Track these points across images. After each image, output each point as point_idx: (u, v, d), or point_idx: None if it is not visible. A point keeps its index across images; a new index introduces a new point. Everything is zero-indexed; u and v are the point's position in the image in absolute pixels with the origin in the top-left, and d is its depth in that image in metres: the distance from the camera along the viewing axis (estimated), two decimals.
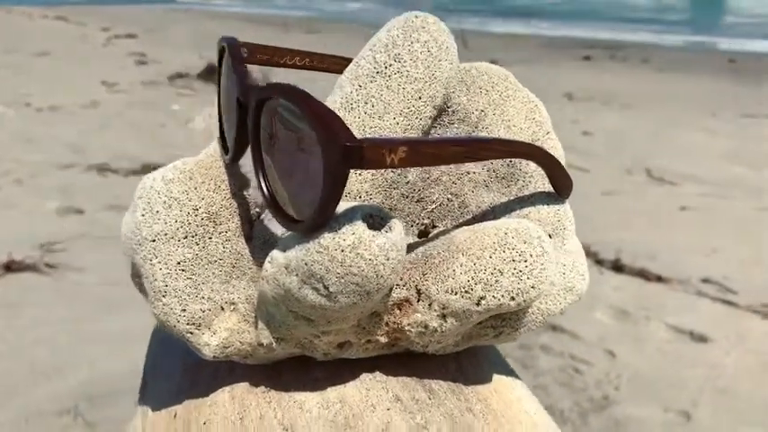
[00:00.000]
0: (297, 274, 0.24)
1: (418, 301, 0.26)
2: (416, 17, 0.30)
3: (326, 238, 0.23)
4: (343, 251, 0.23)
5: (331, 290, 0.24)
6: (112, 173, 2.74)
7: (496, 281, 0.25)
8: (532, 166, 0.30)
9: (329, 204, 0.23)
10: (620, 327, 1.65)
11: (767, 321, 1.71)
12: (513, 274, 0.25)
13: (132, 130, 3.43)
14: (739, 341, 1.61)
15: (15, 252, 1.91)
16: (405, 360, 0.30)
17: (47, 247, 2.01)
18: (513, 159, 0.30)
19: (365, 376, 0.29)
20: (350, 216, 0.24)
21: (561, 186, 0.30)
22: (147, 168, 2.78)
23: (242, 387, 0.30)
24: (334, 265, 0.23)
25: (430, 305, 0.26)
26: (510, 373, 0.33)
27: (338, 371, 0.29)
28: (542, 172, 0.30)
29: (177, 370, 0.35)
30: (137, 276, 0.32)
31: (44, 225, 2.19)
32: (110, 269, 1.90)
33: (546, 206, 0.30)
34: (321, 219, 0.23)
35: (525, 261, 0.25)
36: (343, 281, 0.23)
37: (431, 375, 0.29)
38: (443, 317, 0.26)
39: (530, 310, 0.29)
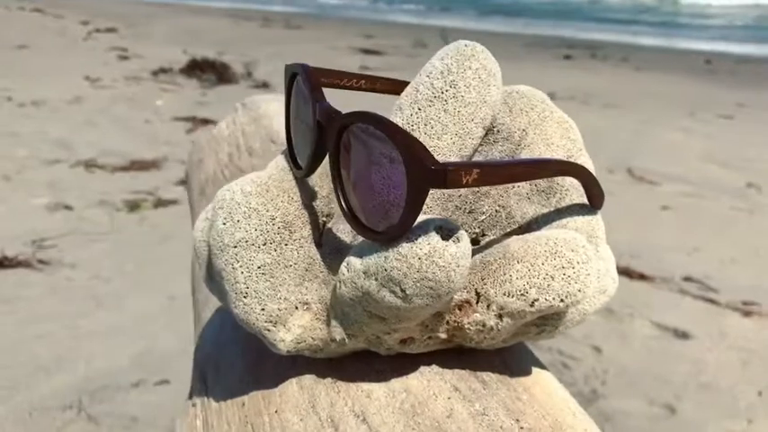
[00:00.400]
0: (376, 279, 0.28)
1: (477, 302, 0.30)
2: (466, 46, 0.34)
3: (405, 248, 0.27)
4: (419, 259, 0.26)
5: (407, 293, 0.27)
6: (99, 169, 2.74)
7: (548, 285, 0.29)
8: (568, 180, 0.34)
9: (410, 218, 0.26)
10: (606, 324, 1.70)
11: (747, 319, 1.77)
12: (562, 279, 0.29)
13: (118, 125, 3.43)
14: (720, 338, 1.66)
15: (7, 248, 1.92)
16: (457, 355, 0.33)
17: (38, 243, 2.02)
18: (552, 178, 0.34)
19: (424, 369, 0.32)
20: (424, 228, 0.27)
21: (594, 198, 0.34)
22: (135, 165, 2.79)
23: (309, 378, 0.34)
24: (412, 271, 0.27)
25: (488, 306, 0.30)
26: (543, 367, 0.36)
27: (400, 364, 0.32)
28: (577, 185, 0.34)
29: (239, 365, 0.38)
30: (210, 279, 0.35)
31: (34, 221, 2.19)
32: (100, 265, 1.91)
33: (581, 216, 0.33)
34: (401, 230, 0.27)
35: (573, 267, 0.29)
36: (418, 285, 0.27)
37: (481, 368, 0.33)
38: (500, 317, 0.30)
39: (570, 310, 0.32)
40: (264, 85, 4.54)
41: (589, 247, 0.30)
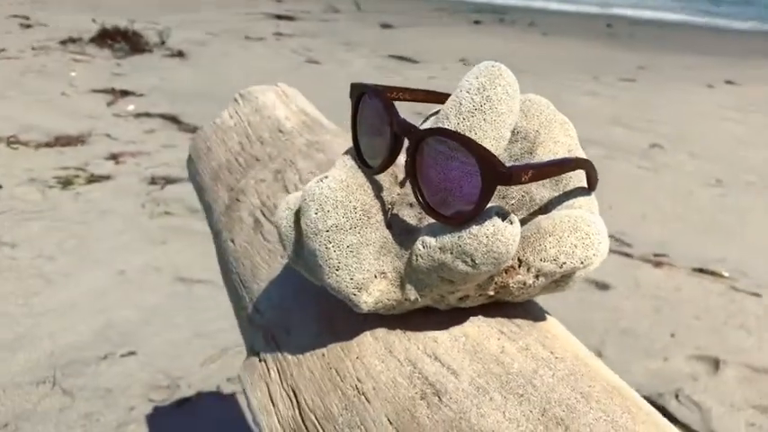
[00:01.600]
0: (451, 252, 0.37)
1: (519, 266, 0.40)
2: (493, 66, 0.43)
3: (475, 229, 0.36)
4: (487, 237, 0.36)
5: (477, 262, 0.37)
6: (23, 145, 2.69)
7: (573, 252, 0.39)
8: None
9: (481, 206, 0.36)
10: None
11: (658, 269, 1.96)
12: (583, 247, 0.39)
13: (33, 99, 3.34)
14: (636, 288, 1.85)
15: None
16: (494, 307, 0.43)
17: None
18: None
19: (474, 318, 0.42)
20: (488, 213, 0.36)
21: (592, 183, 0.44)
22: (61, 140, 2.75)
23: (381, 330, 0.43)
24: (481, 246, 0.36)
25: (528, 269, 0.40)
26: (548, 314, 0.47)
27: (454, 316, 0.42)
28: (578, 173, 0.44)
29: (312, 326, 0.46)
30: (297, 257, 0.43)
31: None
32: (41, 243, 1.92)
33: (582, 197, 0.44)
34: (473, 215, 0.36)
35: (590, 238, 0.39)
36: (486, 256, 0.36)
37: (513, 316, 0.43)
38: (537, 277, 0.40)
39: (578, 272, 0.43)
40: (180, 54, 4.48)
41: (598, 222, 0.40)
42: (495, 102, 0.42)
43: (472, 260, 0.37)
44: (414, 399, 0.39)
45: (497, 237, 0.36)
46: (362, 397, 0.41)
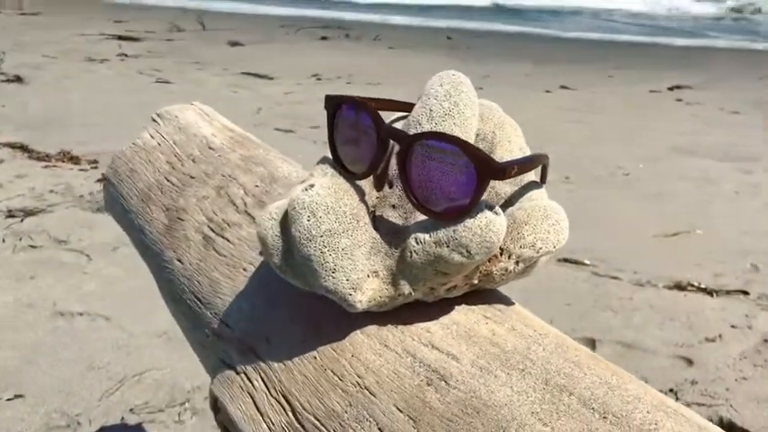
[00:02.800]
0: (448, 246, 0.40)
1: (501, 255, 0.44)
2: (454, 75, 0.47)
3: (469, 221, 0.40)
4: (480, 228, 0.40)
5: (472, 252, 0.40)
6: None
7: (547, 237, 0.43)
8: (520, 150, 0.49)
9: (476, 200, 0.39)
10: None
11: None
12: (554, 232, 0.44)
13: None
14: None
15: None
16: (471, 297, 0.47)
17: None
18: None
19: (459, 307, 0.45)
20: (479, 207, 0.40)
21: (545, 176, 0.49)
22: None
23: (372, 328, 0.45)
24: (476, 237, 0.40)
25: (509, 256, 0.43)
26: (509, 299, 0.51)
27: (441, 307, 0.45)
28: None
29: (295, 332, 0.48)
30: (286, 266, 0.45)
31: None
32: None
33: (537, 190, 0.48)
34: (468, 209, 0.40)
35: (559, 224, 0.44)
36: (480, 246, 0.40)
37: (490, 303, 0.47)
38: (517, 263, 0.44)
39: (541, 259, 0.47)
40: (18, 79, 4.21)
41: (561, 210, 0.45)
42: (462, 107, 0.45)
43: (467, 251, 0.40)
44: (420, 386, 0.41)
45: (490, 227, 0.40)
46: (366, 391, 0.43)
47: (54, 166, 2.75)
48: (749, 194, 2.77)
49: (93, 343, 1.52)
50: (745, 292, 1.94)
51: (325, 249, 0.42)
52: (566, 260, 2.12)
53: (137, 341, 1.56)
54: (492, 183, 0.48)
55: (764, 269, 2.10)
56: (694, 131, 3.66)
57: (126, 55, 5.08)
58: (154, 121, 0.74)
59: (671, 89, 4.55)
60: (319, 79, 4.62)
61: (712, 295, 1.93)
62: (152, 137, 0.72)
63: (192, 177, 0.66)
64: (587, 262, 2.12)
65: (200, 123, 0.73)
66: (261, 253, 0.55)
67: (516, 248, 0.43)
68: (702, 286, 1.97)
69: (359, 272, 0.43)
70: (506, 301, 0.48)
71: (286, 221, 0.45)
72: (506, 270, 0.44)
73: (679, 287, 1.97)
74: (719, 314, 1.83)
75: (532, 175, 0.49)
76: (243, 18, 7.43)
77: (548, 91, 4.53)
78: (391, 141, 0.43)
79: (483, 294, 0.47)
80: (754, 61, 5.58)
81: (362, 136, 0.44)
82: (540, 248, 0.43)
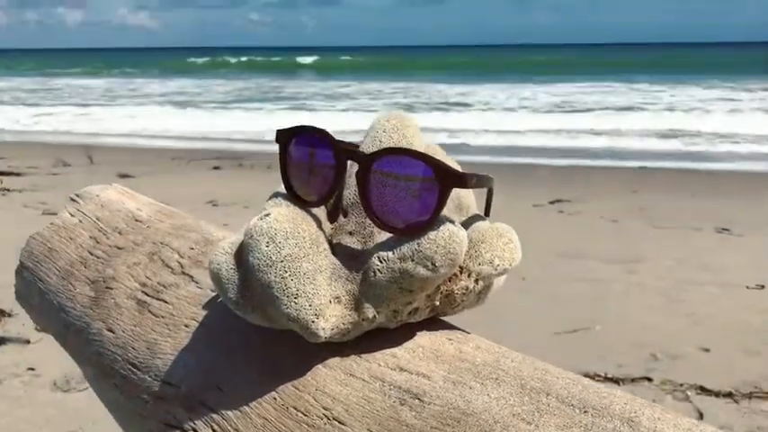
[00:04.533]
0: (412, 260, 0.40)
1: (461, 273, 0.44)
2: (398, 111, 0.49)
3: (433, 234, 0.40)
4: (444, 239, 0.40)
5: (437, 264, 0.40)
6: None
7: (503, 254, 0.44)
8: (468, 201, 0.50)
9: (438, 212, 0.40)
10: None
11: None
12: (510, 250, 0.45)
13: None
14: None
15: None
16: (431, 324, 0.46)
17: None
18: (460, 197, 0.50)
19: (420, 333, 0.45)
20: (441, 220, 0.41)
21: (488, 209, 0.50)
22: None
23: (334, 360, 0.44)
24: (440, 249, 0.40)
25: (469, 275, 0.44)
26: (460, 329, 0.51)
27: (403, 333, 0.44)
28: (473, 203, 0.50)
29: (250, 375, 0.46)
30: (242, 298, 0.43)
31: None
32: None
33: (482, 222, 0.50)
34: (430, 222, 0.40)
35: (513, 243, 0.45)
36: (444, 258, 0.40)
37: (447, 329, 0.46)
38: (477, 281, 0.44)
39: (494, 286, 0.48)
40: None
41: (512, 230, 0.46)
42: (410, 138, 0.47)
43: (432, 263, 0.40)
44: (394, 407, 0.40)
45: (453, 239, 0.40)
46: (335, 422, 0.41)
47: None
48: (638, 292, 2.92)
49: None
50: (649, 379, 2.00)
51: (286, 275, 0.41)
52: None
53: None
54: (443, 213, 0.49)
55: (663, 357, 2.18)
56: (579, 238, 3.85)
57: (8, 189, 4.90)
58: (73, 200, 0.72)
59: (552, 203, 4.81)
60: (215, 205, 4.59)
61: (618, 384, 1.97)
62: (72, 215, 0.70)
63: (120, 248, 0.63)
64: None
65: (123, 200, 0.71)
66: (208, 302, 0.53)
67: (475, 266, 0.44)
68: (609, 376, 2.02)
69: (321, 297, 0.42)
70: (456, 328, 0.48)
71: (240, 255, 0.44)
72: (467, 289, 0.44)
73: (586, 377, 2.01)
74: None
75: (475, 209, 0.50)
76: (132, 152, 7.39)
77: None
78: (347, 169, 0.44)
79: (442, 323, 0.47)
80: (627, 177, 6.02)
81: (317, 163, 0.44)
82: (498, 265, 0.44)
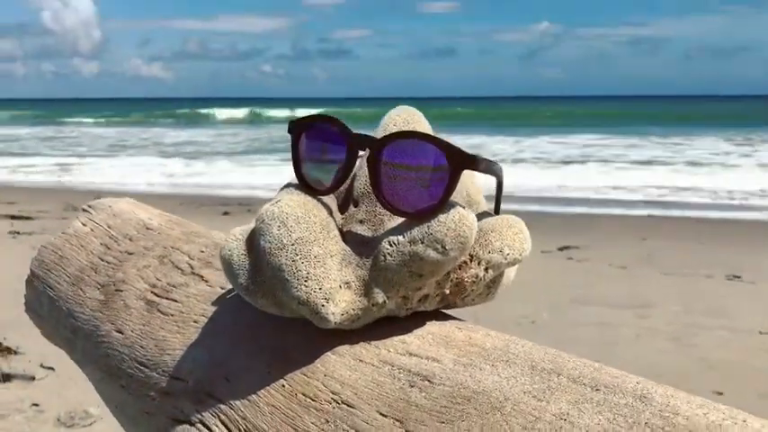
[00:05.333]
0: (423, 242, 0.40)
1: (471, 261, 0.44)
2: (409, 107, 0.49)
3: (443, 217, 0.40)
4: (454, 222, 0.40)
5: (447, 248, 0.40)
6: None
7: (513, 243, 0.44)
8: (477, 198, 0.50)
9: (448, 194, 0.40)
10: None
11: None
12: (519, 240, 0.45)
13: None
14: None
15: None
16: (440, 315, 0.46)
17: None
18: (469, 194, 0.50)
19: (429, 322, 0.44)
20: (450, 204, 0.41)
21: (497, 206, 0.51)
22: None
23: (343, 347, 0.43)
24: (450, 231, 0.40)
25: (479, 263, 0.44)
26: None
27: (413, 321, 0.44)
28: (482, 200, 0.50)
29: (257, 366, 0.45)
30: (254, 283, 0.43)
31: None
32: None
33: (490, 217, 0.50)
34: (440, 206, 0.40)
35: (523, 233, 0.45)
36: (454, 241, 0.40)
37: (454, 319, 0.46)
38: (486, 269, 0.44)
39: (503, 280, 0.48)
40: None
41: (522, 223, 0.46)
42: (420, 130, 0.47)
43: (443, 246, 0.40)
44: (403, 389, 0.39)
45: (463, 221, 0.40)
46: (344, 405, 0.41)
47: None
48: (648, 336, 2.88)
49: None
50: None
51: (297, 257, 0.41)
52: None
53: None
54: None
55: None
56: (588, 284, 3.83)
57: (18, 232, 4.93)
58: (85, 211, 0.73)
59: (560, 249, 4.80)
60: None
61: None
62: (84, 224, 0.70)
63: (131, 253, 0.64)
64: None
65: (134, 210, 0.72)
66: (218, 298, 0.53)
67: (485, 254, 0.44)
68: None
69: (332, 281, 0.42)
70: (460, 321, 0.48)
71: (251, 241, 0.44)
72: (477, 277, 0.44)
73: None
74: None
75: (485, 206, 0.51)
76: (140, 197, 7.43)
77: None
78: (357, 160, 0.45)
79: (452, 316, 0.47)
80: (635, 224, 6.01)
81: (329, 151, 0.45)
82: (508, 254, 0.44)
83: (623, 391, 0.36)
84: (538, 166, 9.69)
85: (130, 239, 0.66)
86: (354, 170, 0.46)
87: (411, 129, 0.47)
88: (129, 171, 9.69)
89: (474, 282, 0.44)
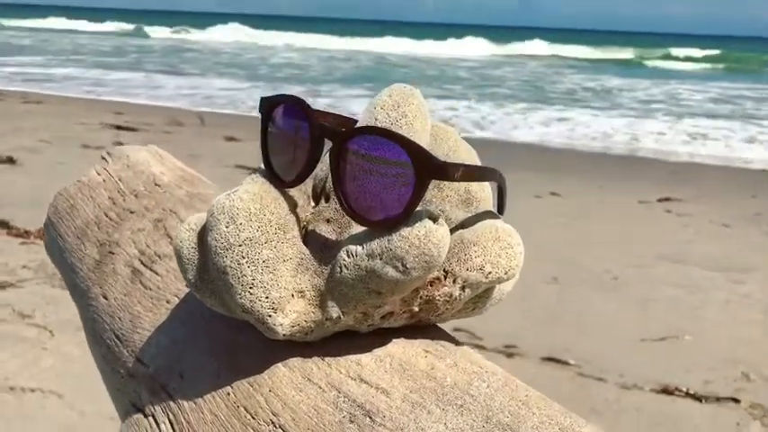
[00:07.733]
0: (381, 258, 0.35)
1: (445, 278, 0.38)
2: (405, 87, 0.43)
3: (406, 231, 0.35)
4: (419, 238, 0.34)
5: (408, 266, 0.35)
6: None
7: (498, 261, 0.38)
8: (480, 194, 0.44)
9: (413, 206, 0.34)
10: None
11: (509, 359, 2.01)
12: (506, 256, 0.38)
13: None
14: None
15: None
16: (414, 331, 0.41)
17: None
18: (469, 190, 0.44)
19: (396, 340, 0.39)
20: (418, 216, 0.35)
21: (502, 203, 0.44)
22: None
23: (295, 360, 0.39)
24: (412, 249, 0.34)
25: (454, 280, 0.38)
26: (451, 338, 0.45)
27: (376, 338, 0.39)
28: (487, 198, 0.44)
29: (210, 366, 0.42)
30: (201, 281, 0.39)
31: None
32: None
33: (491, 220, 0.43)
34: (404, 217, 0.35)
35: (512, 248, 0.39)
36: (417, 259, 0.35)
37: (433, 339, 0.41)
38: (463, 288, 0.38)
39: (496, 288, 0.42)
40: (10, 160, 4.23)
41: (516, 233, 0.40)
42: (411, 118, 0.41)
43: (403, 264, 0.35)
44: (341, 423, 0.35)
45: (429, 238, 0.34)
46: (279, 431, 0.36)
47: (32, 243, 2.69)
48: (740, 304, 2.71)
49: (40, 421, 1.42)
50: (736, 400, 1.85)
51: (243, 261, 0.37)
52: (549, 359, 2.03)
53: (86, 421, 1.46)
54: (443, 207, 0.43)
55: (756, 378, 2.01)
56: (683, 241, 3.63)
57: (122, 143, 5.13)
58: (103, 159, 0.70)
59: (660, 200, 4.56)
60: None
61: (701, 401, 1.84)
62: (98, 173, 0.68)
63: (132, 212, 0.61)
64: (572, 362, 2.03)
65: (150, 162, 0.69)
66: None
67: (462, 271, 0.38)
68: (691, 392, 1.88)
69: (281, 289, 0.37)
70: (453, 340, 0.42)
71: (203, 234, 0.40)
72: (451, 296, 0.38)
73: (666, 392, 1.88)
74: (709, 421, 1.74)
75: (489, 205, 0.44)
76: (241, 119, 7.56)
77: (538, 196, 4.54)
78: (322, 151, 0.39)
79: (427, 330, 0.41)
80: (747, 179, 5.64)
81: (297, 138, 0.39)
82: (490, 273, 0.38)
83: None
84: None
85: (136, 196, 0.63)
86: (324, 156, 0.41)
87: (400, 114, 0.41)
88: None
89: (447, 301, 0.39)
